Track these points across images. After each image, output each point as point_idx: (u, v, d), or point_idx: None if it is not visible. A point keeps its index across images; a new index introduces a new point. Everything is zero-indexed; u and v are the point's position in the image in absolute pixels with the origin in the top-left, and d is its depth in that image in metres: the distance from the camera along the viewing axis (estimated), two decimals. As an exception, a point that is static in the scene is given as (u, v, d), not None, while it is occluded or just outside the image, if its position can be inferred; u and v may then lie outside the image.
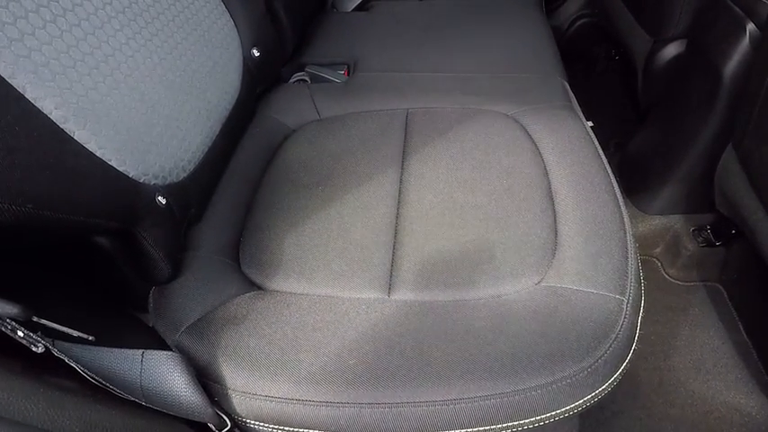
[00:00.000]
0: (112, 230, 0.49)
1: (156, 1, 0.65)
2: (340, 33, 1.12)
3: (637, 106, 1.35)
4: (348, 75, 1.01)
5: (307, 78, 1.01)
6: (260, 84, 0.88)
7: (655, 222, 1.12)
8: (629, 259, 0.57)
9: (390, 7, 1.21)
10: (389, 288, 0.58)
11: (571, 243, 0.59)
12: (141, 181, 0.53)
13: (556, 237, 0.61)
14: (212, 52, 0.73)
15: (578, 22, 1.69)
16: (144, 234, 0.51)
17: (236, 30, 0.81)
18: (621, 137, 1.36)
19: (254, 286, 0.61)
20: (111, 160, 0.50)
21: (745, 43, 0.85)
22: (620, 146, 1.34)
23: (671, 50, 1.06)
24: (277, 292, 0.60)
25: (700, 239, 1.06)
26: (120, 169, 0.51)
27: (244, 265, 0.64)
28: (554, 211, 0.64)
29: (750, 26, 0.84)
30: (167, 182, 0.57)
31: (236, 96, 0.78)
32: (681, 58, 1.05)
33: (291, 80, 1.02)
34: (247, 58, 0.82)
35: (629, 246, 0.59)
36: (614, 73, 1.57)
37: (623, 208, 0.65)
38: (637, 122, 1.39)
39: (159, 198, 0.54)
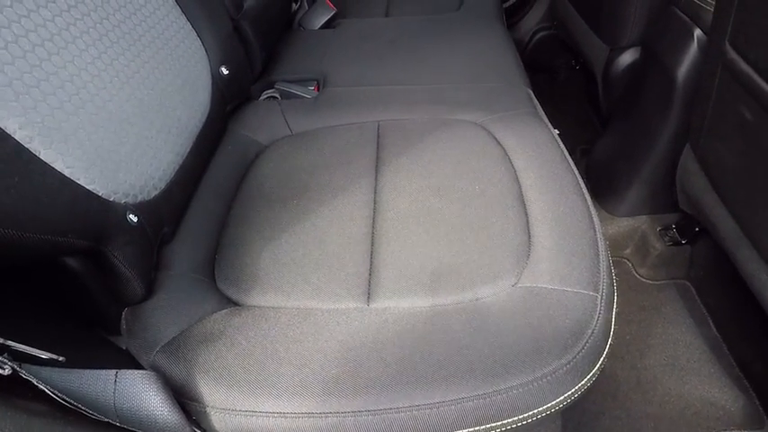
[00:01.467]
0: (83, 250, 0.48)
1: (121, 21, 0.65)
2: (308, 50, 1.13)
3: (599, 113, 1.41)
4: (318, 90, 1.02)
5: (277, 95, 1.02)
6: (230, 101, 0.88)
7: (623, 224, 1.15)
8: (601, 257, 0.58)
9: (356, 24, 1.24)
10: (368, 297, 0.58)
11: (544, 244, 0.61)
12: (111, 199, 0.52)
13: (529, 239, 0.62)
14: (180, 71, 0.73)
15: (538, 35, 1.75)
16: (115, 253, 0.50)
17: (203, 48, 0.81)
18: (587, 143, 1.41)
19: (230, 303, 0.60)
20: (79, 179, 0.49)
21: (693, 48, 0.90)
22: (585, 152, 1.38)
23: (626, 58, 1.12)
24: (254, 307, 0.59)
25: (666, 239, 1.10)
26: (89, 188, 0.50)
27: (219, 282, 0.63)
28: (526, 213, 0.66)
29: (697, 32, 0.89)
30: (138, 200, 0.56)
31: (206, 114, 0.77)
32: (636, 65, 1.10)
33: (262, 97, 1.02)
34: (216, 76, 0.83)
35: (599, 244, 0.60)
36: (576, 82, 1.63)
37: (592, 208, 0.67)
38: (600, 128, 1.44)
39: (130, 216, 0.53)
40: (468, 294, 0.57)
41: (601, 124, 1.45)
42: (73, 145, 0.49)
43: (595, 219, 0.65)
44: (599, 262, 0.58)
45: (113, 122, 0.56)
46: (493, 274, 0.59)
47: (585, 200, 0.68)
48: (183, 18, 0.79)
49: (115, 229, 0.51)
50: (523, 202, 0.68)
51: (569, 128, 1.42)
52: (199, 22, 0.81)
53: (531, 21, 1.77)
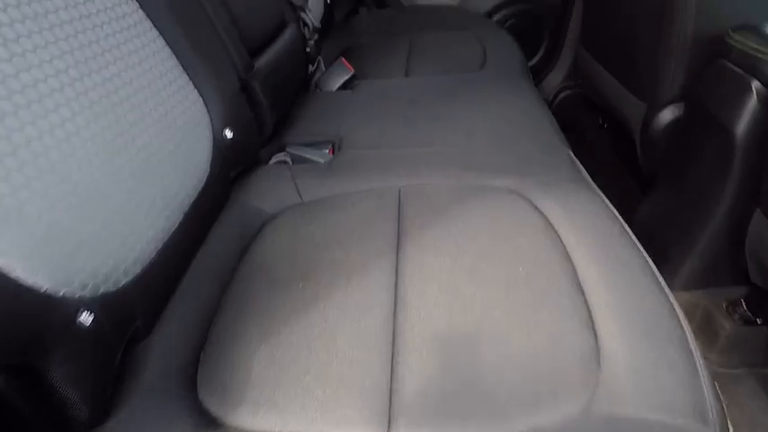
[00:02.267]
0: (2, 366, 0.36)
1: (107, 80, 0.56)
2: (324, 112, 1.06)
3: (637, 175, 1.29)
4: (333, 153, 0.93)
5: (288, 160, 0.93)
6: (234, 167, 0.79)
7: (680, 300, 0.99)
8: (698, 366, 0.44)
9: (375, 85, 1.17)
10: (389, 423, 0.44)
11: (618, 348, 0.47)
12: (60, 294, 0.41)
13: (596, 340, 0.48)
14: (175, 133, 0.64)
15: (561, 95, 1.70)
16: (53, 372, 0.38)
17: (205, 108, 0.73)
18: (623, 208, 1.28)
19: (211, 423, 0.47)
20: (15, 270, 0.38)
21: (753, 101, 0.81)
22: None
23: (668, 115, 1.03)
24: (241, 430, 0.45)
25: (736, 317, 0.94)
26: (28, 282, 0.38)
27: (202, 392, 0.50)
28: (586, 303, 0.53)
29: (755, 83, 0.81)
30: (100, 292, 0.45)
31: (203, 181, 0.68)
32: (680, 122, 1.01)
33: (271, 162, 0.93)
34: (218, 139, 0.74)
35: (691, 346, 0.46)
36: (604, 142, 1.53)
37: (669, 293, 0.53)
38: (639, 192, 1.32)
39: (83, 316, 0.41)
40: (521, 423, 0.43)
41: (639, 188, 1.33)
42: (13, 226, 0.39)
43: (678, 309, 0.51)
44: (698, 374, 0.43)
45: (78, 196, 0.46)
46: (553, 395, 0.44)
47: (659, 283, 0.55)
48: (185, 76, 0.72)
49: (56, 338, 0.38)
50: (581, 287, 0.55)
51: (602, 192, 1.30)
52: (203, 81, 0.74)
53: (554, 80, 1.72)
